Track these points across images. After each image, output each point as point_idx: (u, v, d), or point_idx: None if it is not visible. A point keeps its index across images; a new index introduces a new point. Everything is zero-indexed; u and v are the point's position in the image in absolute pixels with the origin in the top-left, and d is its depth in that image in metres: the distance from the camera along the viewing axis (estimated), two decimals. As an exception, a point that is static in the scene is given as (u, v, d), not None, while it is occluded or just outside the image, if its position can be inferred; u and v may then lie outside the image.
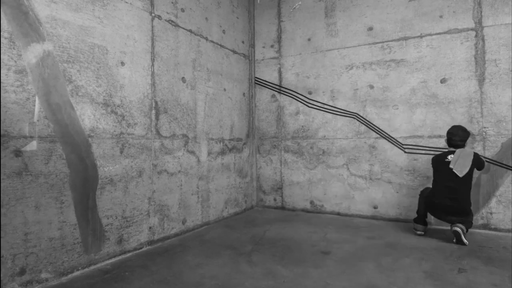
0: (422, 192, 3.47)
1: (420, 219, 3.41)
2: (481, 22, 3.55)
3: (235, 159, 4.43)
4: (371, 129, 4.10)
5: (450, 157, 3.20)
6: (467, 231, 3.10)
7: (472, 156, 3.11)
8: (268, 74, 4.82)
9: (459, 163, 3.11)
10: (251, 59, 4.88)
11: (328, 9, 4.40)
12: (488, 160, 3.49)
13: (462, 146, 3.24)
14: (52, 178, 2.31)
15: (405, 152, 3.89)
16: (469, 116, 3.59)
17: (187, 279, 2.35)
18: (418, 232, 3.39)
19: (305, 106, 4.52)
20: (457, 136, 3.23)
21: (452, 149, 3.28)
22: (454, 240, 3.09)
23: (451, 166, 3.12)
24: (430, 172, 3.75)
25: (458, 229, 3.03)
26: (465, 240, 3.03)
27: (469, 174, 3.11)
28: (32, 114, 2.22)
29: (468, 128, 3.59)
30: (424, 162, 3.79)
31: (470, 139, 3.47)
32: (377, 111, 4.07)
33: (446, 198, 3.15)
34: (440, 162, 3.26)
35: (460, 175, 3.08)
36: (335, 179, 4.32)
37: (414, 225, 3.44)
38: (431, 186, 3.43)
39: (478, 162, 3.15)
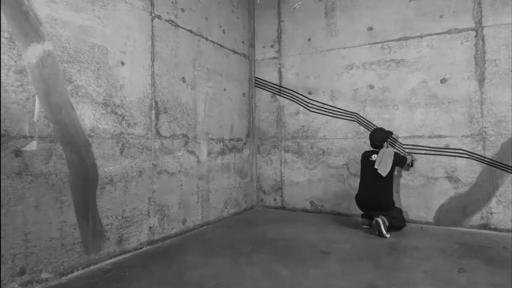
0: None
1: (365, 214, 3.64)
2: (481, 22, 3.55)
3: (235, 159, 4.43)
4: (371, 129, 4.09)
5: (374, 156, 3.52)
6: (391, 225, 3.31)
7: (393, 156, 3.41)
8: (268, 74, 4.82)
9: (382, 163, 3.40)
10: (251, 59, 4.88)
11: (328, 9, 4.40)
12: (488, 160, 3.49)
13: (381, 146, 3.58)
14: (52, 178, 2.31)
15: (405, 152, 3.89)
16: (469, 116, 3.59)
17: (187, 279, 2.35)
18: (364, 226, 3.62)
19: (305, 106, 4.52)
20: (374, 139, 3.61)
21: (375, 149, 3.61)
22: (377, 233, 3.30)
23: (376, 166, 3.41)
24: (431, 172, 3.76)
25: (379, 219, 3.26)
26: (385, 232, 3.24)
27: (390, 172, 3.40)
28: (32, 114, 2.22)
29: (468, 128, 3.60)
30: (424, 162, 3.79)
31: (390, 138, 3.77)
32: (377, 111, 4.07)
33: (368, 195, 3.47)
34: (365, 160, 3.60)
35: (383, 175, 3.37)
36: (335, 179, 4.31)
37: (362, 220, 3.68)
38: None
39: (398, 160, 3.49)
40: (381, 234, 3.26)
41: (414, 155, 3.80)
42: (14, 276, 2.10)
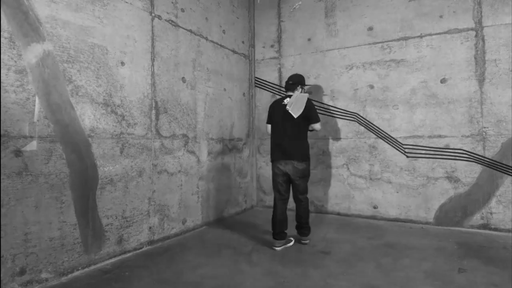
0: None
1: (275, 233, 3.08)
2: (481, 22, 3.55)
3: (235, 159, 4.43)
4: (371, 129, 4.10)
5: (286, 100, 3.17)
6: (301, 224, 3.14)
7: (305, 100, 3.09)
8: (268, 74, 4.82)
9: (294, 106, 3.07)
10: (251, 59, 4.88)
11: (328, 9, 4.40)
12: (488, 160, 3.49)
13: (294, 89, 3.20)
14: (52, 178, 2.31)
15: (405, 153, 3.89)
16: (469, 116, 3.59)
17: (187, 279, 2.35)
18: (276, 248, 3.01)
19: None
20: (290, 78, 3.25)
21: (289, 93, 3.24)
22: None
23: (287, 107, 3.07)
24: (431, 172, 3.75)
25: (305, 241, 3.13)
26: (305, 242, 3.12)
27: (304, 118, 3.08)
28: (32, 114, 2.22)
29: (468, 128, 3.60)
30: (424, 162, 3.79)
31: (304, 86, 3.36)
32: (377, 111, 4.07)
33: (284, 139, 3.09)
34: (277, 105, 3.21)
35: (295, 116, 3.03)
36: (335, 179, 4.31)
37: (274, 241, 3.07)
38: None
39: (310, 109, 3.10)
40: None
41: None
42: (14, 276, 2.10)
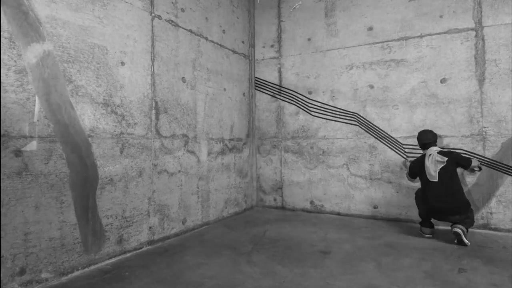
0: (417, 193, 3.45)
1: (425, 222, 3.35)
2: (481, 22, 3.55)
3: (235, 159, 4.43)
4: (371, 129, 4.10)
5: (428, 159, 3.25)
6: (467, 230, 3.08)
7: (437, 156, 3.17)
8: (268, 74, 4.82)
9: (433, 168, 3.17)
10: (251, 59, 4.88)
11: (328, 9, 4.40)
12: (488, 160, 3.49)
13: (431, 146, 3.32)
14: (52, 178, 2.31)
15: (405, 152, 3.89)
16: (469, 116, 3.59)
17: (187, 279, 2.35)
18: (427, 236, 3.30)
19: (305, 106, 4.52)
20: (426, 138, 3.35)
21: (425, 151, 3.34)
22: (456, 241, 3.07)
23: (431, 179, 3.17)
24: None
25: (459, 230, 3.00)
26: (466, 241, 2.99)
27: (452, 171, 3.16)
28: (32, 114, 2.22)
29: (468, 128, 3.60)
30: (424, 162, 3.79)
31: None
32: (377, 111, 4.07)
33: (440, 200, 3.13)
34: (419, 167, 3.31)
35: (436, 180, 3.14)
36: (335, 179, 4.32)
37: (421, 228, 3.36)
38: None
39: (457, 160, 3.19)
40: (462, 243, 3.01)
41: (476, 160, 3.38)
42: (14, 276, 2.10)
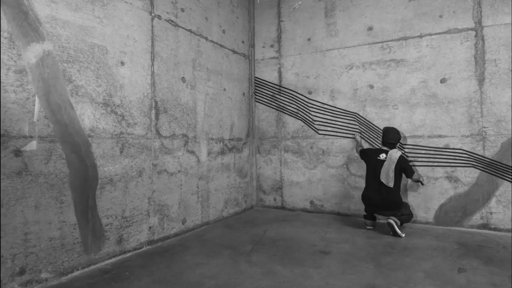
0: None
1: (367, 215, 3.63)
2: (481, 22, 3.55)
3: (235, 159, 4.43)
4: (371, 129, 4.10)
5: (382, 156, 3.47)
6: (402, 223, 3.39)
7: (395, 163, 3.35)
8: (268, 74, 4.82)
9: (385, 173, 3.36)
10: (251, 59, 4.88)
11: (328, 9, 4.40)
12: (488, 159, 3.49)
13: (393, 146, 3.53)
14: (52, 178, 2.31)
15: (405, 152, 3.89)
16: (469, 116, 3.59)
17: (187, 279, 2.35)
18: (368, 227, 3.59)
19: (305, 106, 4.52)
20: (389, 137, 3.52)
21: (385, 148, 3.55)
22: (391, 233, 3.33)
23: (381, 179, 3.37)
24: (431, 172, 3.75)
25: (392, 221, 3.28)
26: (399, 232, 3.25)
27: (396, 178, 3.37)
28: (32, 114, 2.22)
29: (468, 128, 3.60)
30: (424, 162, 3.78)
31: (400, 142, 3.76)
32: (377, 111, 4.07)
33: (376, 193, 3.43)
34: (373, 157, 3.54)
35: (390, 185, 3.33)
36: (335, 179, 4.32)
37: (364, 221, 3.64)
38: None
39: (404, 168, 3.39)
40: (396, 234, 3.28)
41: (420, 174, 3.59)
42: (14, 276, 2.10)
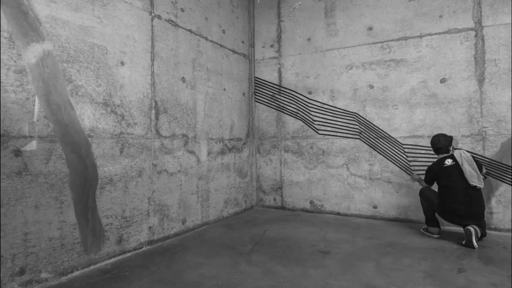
0: (422, 192, 3.37)
1: (432, 222, 3.30)
2: (481, 22, 3.55)
3: (235, 159, 4.43)
4: (371, 129, 4.10)
5: (448, 161, 3.17)
6: (480, 236, 3.00)
7: (473, 161, 3.08)
8: (268, 74, 4.82)
9: (470, 173, 3.02)
10: (251, 59, 4.88)
11: (328, 9, 4.40)
12: (487, 159, 3.49)
13: (448, 150, 3.25)
14: (52, 178, 2.31)
15: (404, 152, 3.89)
16: (469, 116, 3.59)
17: (187, 279, 2.35)
18: (435, 236, 3.26)
19: (305, 106, 4.52)
20: (439, 143, 3.25)
21: (442, 155, 3.27)
22: (464, 242, 2.97)
23: (471, 183, 3.00)
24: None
25: (472, 229, 2.90)
26: (475, 243, 2.89)
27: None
28: (32, 114, 2.22)
29: (468, 128, 3.60)
30: (424, 162, 3.78)
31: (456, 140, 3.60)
32: (377, 111, 4.07)
33: (466, 203, 3.02)
34: (441, 170, 3.18)
35: (481, 186, 3.00)
36: (335, 179, 4.32)
37: (428, 228, 3.33)
38: (431, 187, 3.37)
39: (478, 163, 3.12)
40: (470, 245, 2.90)
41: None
42: (14, 276, 2.10)
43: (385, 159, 4.00)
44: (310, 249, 2.96)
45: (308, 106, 4.50)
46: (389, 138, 3.98)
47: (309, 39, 4.52)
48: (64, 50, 2.41)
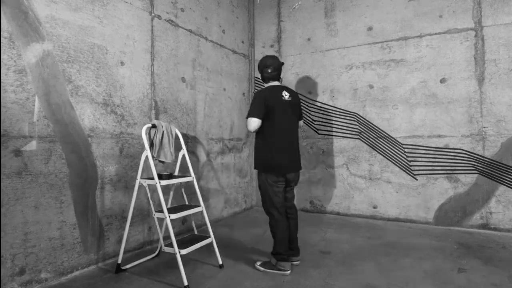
0: (272, 224, 2.52)
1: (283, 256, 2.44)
2: (481, 22, 3.55)
3: (234, 159, 4.43)
4: (371, 129, 4.10)
5: (285, 94, 2.55)
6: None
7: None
8: (268, 74, 4.81)
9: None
10: (251, 59, 4.88)
11: (327, 9, 4.40)
12: (487, 159, 3.49)
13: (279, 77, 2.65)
14: (52, 178, 2.31)
15: (405, 153, 3.89)
16: (468, 116, 3.59)
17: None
18: (287, 272, 2.41)
19: (305, 106, 4.52)
20: (280, 66, 2.60)
21: (275, 83, 2.64)
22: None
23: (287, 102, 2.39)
24: (429, 172, 3.75)
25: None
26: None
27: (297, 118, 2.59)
28: (32, 114, 2.22)
29: (468, 128, 3.60)
30: (424, 161, 3.79)
31: None
32: (376, 110, 4.07)
33: (288, 148, 2.47)
34: (276, 99, 2.50)
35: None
36: (335, 179, 4.31)
37: (277, 263, 2.44)
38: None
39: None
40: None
41: None
42: (14, 276, 2.10)
43: (385, 159, 4.00)
44: (310, 249, 2.96)
45: (308, 106, 4.50)
46: (389, 138, 3.98)
47: (309, 39, 4.52)
48: (64, 50, 2.41)
